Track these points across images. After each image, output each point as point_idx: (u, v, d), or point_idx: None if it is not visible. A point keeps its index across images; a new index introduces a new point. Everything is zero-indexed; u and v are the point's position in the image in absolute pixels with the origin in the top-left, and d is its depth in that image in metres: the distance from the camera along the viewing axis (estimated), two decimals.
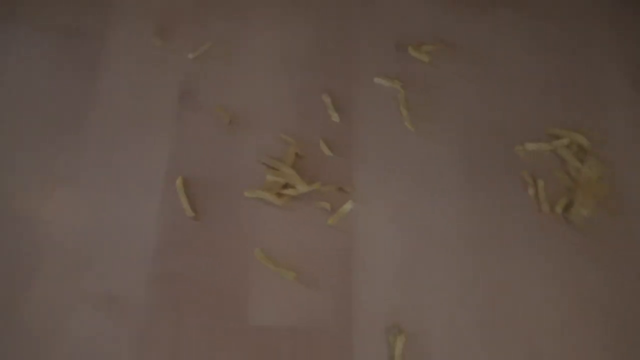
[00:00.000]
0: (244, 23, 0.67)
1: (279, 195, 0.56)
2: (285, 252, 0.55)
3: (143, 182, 0.58)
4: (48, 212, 0.57)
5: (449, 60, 0.64)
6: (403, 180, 0.58)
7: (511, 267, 0.53)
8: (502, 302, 0.52)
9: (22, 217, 0.56)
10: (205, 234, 0.55)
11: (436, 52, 0.64)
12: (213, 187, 0.58)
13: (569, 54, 0.64)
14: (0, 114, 0.61)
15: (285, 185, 0.57)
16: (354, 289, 0.53)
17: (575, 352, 0.50)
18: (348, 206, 0.56)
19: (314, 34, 0.66)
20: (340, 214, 0.56)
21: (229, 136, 0.60)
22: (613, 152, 0.58)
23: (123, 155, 0.59)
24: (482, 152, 0.59)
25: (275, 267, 0.53)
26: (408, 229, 0.55)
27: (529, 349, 0.50)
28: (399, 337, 0.49)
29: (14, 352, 0.50)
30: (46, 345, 0.51)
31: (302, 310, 0.52)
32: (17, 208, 0.56)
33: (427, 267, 0.53)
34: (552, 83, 0.62)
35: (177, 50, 0.65)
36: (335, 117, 0.60)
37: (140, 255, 0.54)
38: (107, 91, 0.63)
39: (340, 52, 0.65)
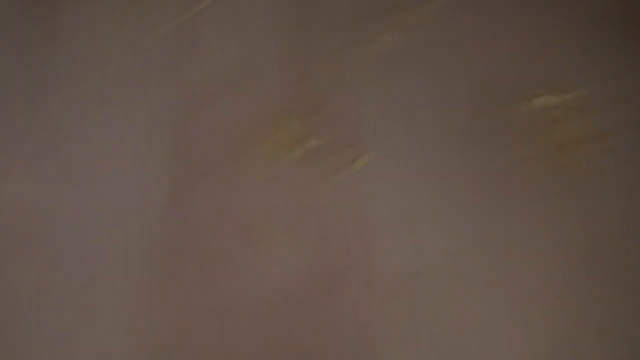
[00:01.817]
0: None
1: (291, 150, 0.53)
2: (292, 214, 0.51)
3: (139, 146, 0.53)
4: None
5: (449, 19, 0.63)
6: (410, 136, 0.56)
7: (516, 224, 0.53)
8: (513, 257, 0.51)
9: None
10: (203, 200, 0.51)
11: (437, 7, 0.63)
12: (213, 148, 0.53)
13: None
14: None
15: (297, 141, 0.54)
16: (367, 246, 0.50)
17: (581, 308, 0.49)
18: (360, 163, 0.54)
19: None
20: (351, 171, 0.53)
21: (229, 96, 0.56)
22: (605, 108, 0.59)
23: (111, 121, 0.54)
24: (485, 109, 0.58)
25: (282, 230, 0.50)
26: (416, 186, 0.53)
27: (536, 309, 0.49)
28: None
29: None
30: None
31: (314, 272, 0.49)
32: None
33: (437, 224, 0.52)
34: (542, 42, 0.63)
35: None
36: (340, 75, 0.58)
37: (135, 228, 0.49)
38: (81, 42, 0.57)
39: (337, 5, 0.62)
